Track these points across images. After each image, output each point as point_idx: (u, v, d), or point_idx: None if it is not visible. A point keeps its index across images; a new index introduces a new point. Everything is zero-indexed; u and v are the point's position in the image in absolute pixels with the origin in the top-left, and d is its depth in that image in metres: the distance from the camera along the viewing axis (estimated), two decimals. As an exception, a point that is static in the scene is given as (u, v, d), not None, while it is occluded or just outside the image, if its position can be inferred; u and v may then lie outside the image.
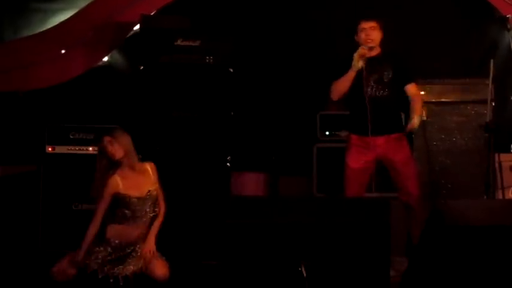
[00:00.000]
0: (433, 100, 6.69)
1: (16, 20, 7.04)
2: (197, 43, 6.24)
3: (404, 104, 6.71)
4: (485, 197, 5.98)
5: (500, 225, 4.41)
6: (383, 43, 5.79)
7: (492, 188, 6.21)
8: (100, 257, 5.05)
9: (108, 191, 5.04)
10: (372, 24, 5.73)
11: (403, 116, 6.55)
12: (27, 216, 6.29)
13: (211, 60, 6.22)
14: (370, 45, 5.71)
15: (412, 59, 6.77)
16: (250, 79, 6.94)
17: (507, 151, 6.53)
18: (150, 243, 5.14)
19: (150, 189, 5.15)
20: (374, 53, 5.76)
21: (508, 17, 6.74)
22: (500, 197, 6.39)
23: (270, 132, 7.07)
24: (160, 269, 5.15)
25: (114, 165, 5.13)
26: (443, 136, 6.65)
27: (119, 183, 5.07)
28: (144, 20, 6.38)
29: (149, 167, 5.22)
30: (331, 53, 6.71)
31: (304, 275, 4.44)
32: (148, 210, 5.15)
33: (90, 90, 6.84)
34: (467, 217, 4.44)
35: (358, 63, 5.64)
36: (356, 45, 5.73)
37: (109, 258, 5.05)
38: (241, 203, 4.79)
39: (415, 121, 5.66)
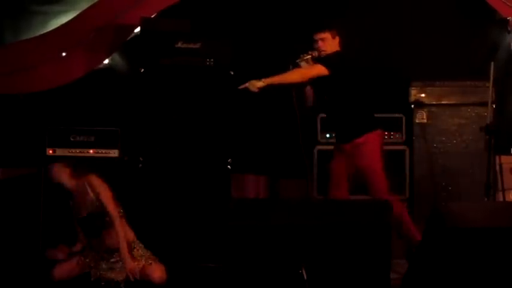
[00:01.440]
0: (434, 102, 6.69)
1: (17, 22, 7.04)
2: (197, 46, 6.25)
3: (402, 104, 6.74)
4: (485, 199, 5.97)
5: (501, 227, 4.40)
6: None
7: (493, 190, 6.20)
8: (91, 259, 5.07)
9: None
10: (321, 35, 5.89)
11: (405, 119, 6.60)
12: (27, 219, 6.28)
13: (212, 63, 6.23)
14: (323, 54, 5.87)
15: (411, 60, 6.85)
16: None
17: (507, 153, 6.53)
18: (128, 264, 5.12)
19: (90, 208, 5.19)
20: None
21: (509, 19, 6.73)
22: (501, 199, 6.39)
23: (271, 134, 7.06)
24: (156, 272, 5.14)
25: None
26: (443, 138, 6.66)
27: None
28: (145, 23, 6.38)
29: (86, 182, 5.23)
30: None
31: (305, 277, 4.44)
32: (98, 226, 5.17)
33: (91, 92, 6.84)
34: (467, 219, 4.43)
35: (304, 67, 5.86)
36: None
37: (99, 262, 5.07)
38: (242, 205, 4.79)
39: (253, 82, 5.65)
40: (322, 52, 5.87)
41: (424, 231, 4.79)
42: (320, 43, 5.89)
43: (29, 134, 6.62)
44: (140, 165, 6.19)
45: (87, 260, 5.10)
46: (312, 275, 4.46)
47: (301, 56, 5.89)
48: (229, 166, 6.22)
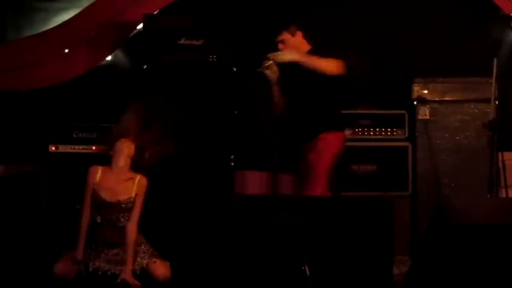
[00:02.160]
0: (436, 99, 6.68)
1: (19, 19, 7.04)
2: (200, 42, 6.25)
3: (404, 101, 6.73)
4: (488, 195, 5.97)
5: (504, 224, 4.40)
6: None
7: (495, 186, 6.20)
8: (89, 254, 5.08)
9: (89, 180, 5.12)
10: (279, 38, 5.81)
11: (408, 115, 6.59)
12: (30, 216, 6.29)
13: (215, 59, 6.22)
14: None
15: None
16: (254, 78, 6.92)
17: (510, 150, 6.53)
18: (127, 273, 5.10)
19: (121, 199, 5.12)
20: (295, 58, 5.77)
21: (511, 15, 6.73)
22: (504, 195, 6.39)
23: (273, 130, 7.05)
24: (160, 269, 5.14)
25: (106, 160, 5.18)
26: (446, 135, 6.65)
27: (98, 173, 5.12)
28: (147, 20, 6.38)
29: (138, 180, 5.19)
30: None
31: (308, 274, 4.44)
32: (120, 217, 5.13)
33: (93, 89, 6.84)
34: (470, 216, 4.43)
35: (270, 75, 5.75)
36: None
37: (99, 254, 5.08)
38: (245, 202, 4.79)
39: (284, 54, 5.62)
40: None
41: (428, 228, 4.79)
42: (281, 46, 5.79)
43: (32, 130, 6.63)
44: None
45: (92, 258, 5.10)
46: (315, 271, 4.46)
47: (263, 63, 5.73)
48: (232, 163, 6.22)
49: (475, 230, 4.35)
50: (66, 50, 6.83)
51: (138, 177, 5.19)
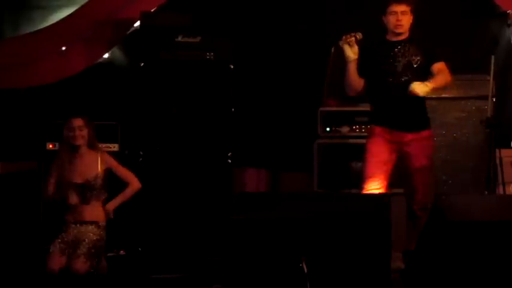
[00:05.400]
0: (434, 96, 6.67)
1: (16, 17, 7.04)
2: (197, 39, 6.25)
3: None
4: (486, 192, 5.97)
5: (501, 220, 4.41)
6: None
7: (493, 183, 6.20)
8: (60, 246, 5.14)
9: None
10: (403, 8, 5.51)
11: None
12: (27, 214, 6.29)
13: (212, 57, 6.23)
14: (399, 30, 5.52)
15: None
16: (251, 75, 6.93)
17: (508, 146, 6.53)
18: (110, 205, 5.27)
19: (89, 178, 5.23)
20: (401, 37, 5.59)
21: (509, 13, 6.73)
22: (501, 192, 6.39)
23: (271, 128, 7.06)
24: (78, 264, 5.15)
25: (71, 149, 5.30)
26: (444, 132, 6.64)
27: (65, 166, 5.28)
28: (145, 17, 6.39)
29: (99, 157, 5.30)
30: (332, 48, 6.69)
31: (305, 271, 4.44)
32: (89, 196, 5.25)
33: (91, 87, 6.84)
34: (468, 212, 4.43)
35: (349, 53, 5.41)
36: (382, 27, 5.60)
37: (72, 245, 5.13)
38: (244, 199, 4.79)
39: (419, 86, 5.35)
40: (398, 27, 5.48)
41: (425, 225, 4.79)
42: (400, 15, 5.47)
43: (29, 128, 6.63)
44: (140, 159, 6.19)
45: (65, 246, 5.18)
46: (313, 268, 4.46)
47: (344, 37, 5.43)
48: (229, 160, 6.22)
49: (472, 226, 4.35)
50: (64, 48, 6.83)
51: (99, 154, 5.33)
